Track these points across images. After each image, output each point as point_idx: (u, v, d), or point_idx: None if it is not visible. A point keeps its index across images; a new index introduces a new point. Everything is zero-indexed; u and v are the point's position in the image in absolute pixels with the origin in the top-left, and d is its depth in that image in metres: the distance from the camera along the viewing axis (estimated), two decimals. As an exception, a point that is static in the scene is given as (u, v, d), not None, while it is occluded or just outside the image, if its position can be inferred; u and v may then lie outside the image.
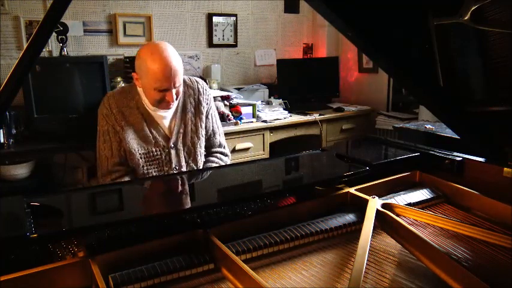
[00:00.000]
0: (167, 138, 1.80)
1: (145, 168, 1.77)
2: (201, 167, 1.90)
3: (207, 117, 1.91)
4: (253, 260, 0.93)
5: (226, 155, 2.01)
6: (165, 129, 1.81)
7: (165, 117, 1.81)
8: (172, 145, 1.80)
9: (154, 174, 1.79)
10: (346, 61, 4.26)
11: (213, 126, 1.95)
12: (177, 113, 1.83)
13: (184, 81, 1.83)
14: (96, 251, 0.88)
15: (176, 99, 1.73)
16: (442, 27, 1.09)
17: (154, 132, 1.78)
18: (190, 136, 1.85)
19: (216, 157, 1.96)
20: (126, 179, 1.74)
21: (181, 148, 1.82)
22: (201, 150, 1.89)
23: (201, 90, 1.90)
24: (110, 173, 1.74)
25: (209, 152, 1.98)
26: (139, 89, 1.77)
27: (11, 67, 0.92)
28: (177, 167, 1.82)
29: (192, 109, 1.87)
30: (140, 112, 1.77)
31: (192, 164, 1.86)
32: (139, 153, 1.75)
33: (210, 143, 1.96)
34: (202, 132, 1.89)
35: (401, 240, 1.00)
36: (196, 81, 1.92)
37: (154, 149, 1.77)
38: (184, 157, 1.84)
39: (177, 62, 1.67)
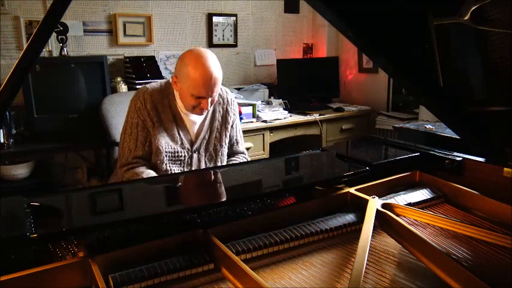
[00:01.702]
0: (192, 142, 1.85)
1: (168, 165, 1.80)
2: None
3: (232, 126, 1.96)
4: (253, 260, 0.93)
5: (246, 159, 2.07)
6: (192, 133, 1.85)
7: (195, 122, 1.84)
8: (195, 149, 1.84)
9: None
10: (346, 61, 4.26)
11: (236, 135, 2.01)
12: (206, 120, 1.87)
13: None
14: (96, 251, 0.88)
15: (210, 106, 1.77)
16: (442, 27, 1.09)
17: (181, 133, 1.82)
18: (214, 143, 1.88)
19: (239, 158, 2.02)
20: (141, 169, 1.76)
21: (203, 154, 1.87)
22: (222, 158, 1.93)
23: (229, 100, 1.94)
24: (128, 164, 1.77)
25: (234, 157, 2.03)
26: (173, 90, 1.80)
27: (11, 67, 0.92)
28: None
29: (220, 118, 1.91)
30: (172, 112, 1.80)
31: None
32: (166, 151, 1.78)
33: (232, 151, 2.01)
34: (226, 140, 1.93)
35: (401, 240, 1.00)
36: (226, 91, 1.97)
37: (179, 150, 1.81)
38: (205, 162, 1.88)
39: (218, 72, 1.69)
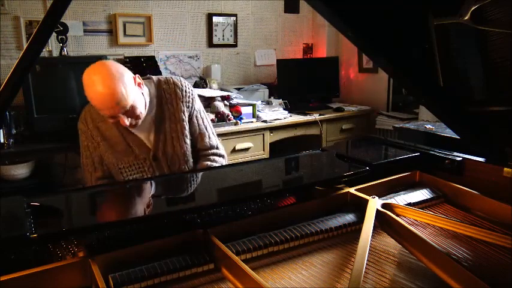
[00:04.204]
0: (148, 150, 1.70)
1: (129, 178, 1.69)
2: None
3: (191, 119, 1.76)
4: (253, 260, 0.93)
5: (220, 155, 1.84)
6: (145, 140, 1.70)
7: (142, 128, 1.68)
8: (153, 156, 1.69)
9: None
10: (346, 61, 4.26)
11: (199, 128, 1.79)
12: (155, 122, 1.70)
13: (160, 83, 1.73)
14: (96, 251, 0.88)
15: (137, 119, 1.59)
16: (442, 27, 1.09)
17: (132, 145, 1.68)
18: (173, 144, 1.71)
19: (209, 159, 1.80)
20: None
21: (163, 159, 1.71)
22: (186, 158, 1.75)
23: (179, 93, 1.72)
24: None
25: (201, 155, 1.82)
26: None
27: (11, 67, 0.92)
28: None
29: (171, 115, 1.72)
30: (116, 125, 1.65)
31: None
32: (119, 168, 1.68)
33: (199, 146, 1.80)
34: (186, 139, 1.74)
35: (401, 240, 1.00)
36: (174, 83, 1.74)
37: (135, 162, 1.69)
38: (169, 166, 1.72)
39: (115, 88, 1.47)
